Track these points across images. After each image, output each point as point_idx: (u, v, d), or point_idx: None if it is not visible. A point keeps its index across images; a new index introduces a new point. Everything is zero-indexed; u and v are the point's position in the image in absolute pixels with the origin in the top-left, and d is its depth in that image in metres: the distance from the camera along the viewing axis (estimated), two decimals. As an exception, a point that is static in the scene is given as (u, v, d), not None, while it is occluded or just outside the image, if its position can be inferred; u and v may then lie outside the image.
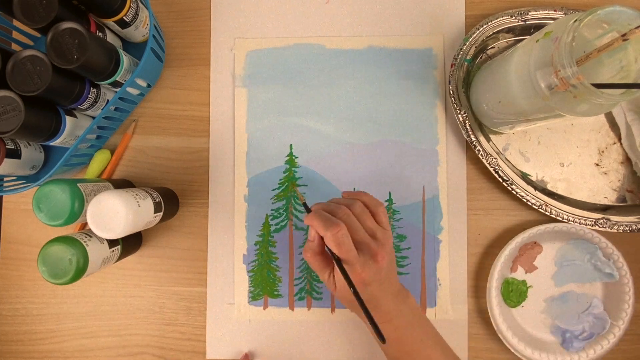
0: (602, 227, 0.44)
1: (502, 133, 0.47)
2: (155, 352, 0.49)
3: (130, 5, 0.43)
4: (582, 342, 0.45)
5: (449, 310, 0.47)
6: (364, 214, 0.37)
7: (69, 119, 0.44)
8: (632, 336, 0.46)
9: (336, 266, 0.35)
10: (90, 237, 0.40)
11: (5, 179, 0.47)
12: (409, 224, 0.48)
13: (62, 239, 0.37)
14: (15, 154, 0.44)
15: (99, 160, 0.49)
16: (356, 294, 0.33)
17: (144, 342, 0.49)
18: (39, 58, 0.38)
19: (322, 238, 0.36)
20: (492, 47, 0.48)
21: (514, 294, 0.47)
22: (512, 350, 0.44)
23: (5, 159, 0.43)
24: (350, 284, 0.33)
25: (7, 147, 0.43)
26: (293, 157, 0.49)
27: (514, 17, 0.46)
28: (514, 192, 0.45)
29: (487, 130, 0.47)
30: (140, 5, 0.45)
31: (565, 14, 0.46)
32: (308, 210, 0.39)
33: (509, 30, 0.47)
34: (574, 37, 0.30)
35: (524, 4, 0.48)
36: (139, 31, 0.47)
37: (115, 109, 0.47)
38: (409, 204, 0.48)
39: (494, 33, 0.47)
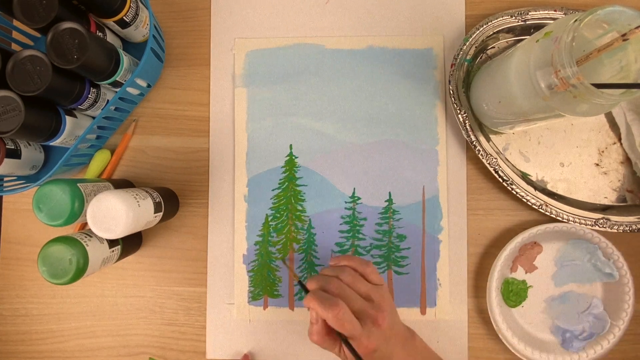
0: (602, 227, 0.44)
1: (502, 133, 0.47)
2: (155, 352, 0.49)
3: (130, 5, 0.43)
4: (582, 342, 0.45)
5: (449, 310, 0.47)
6: (355, 280, 0.38)
7: (69, 119, 0.44)
8: (632, 336, 0.46)
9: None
10: (90, 237, 0.40)
11: (5, 179, 0.47)
12: (409, 224, 0.48)
13: (62, 239, 0.37)
14: (15, 154, 0.44)
15: (99, 160, 0.49)
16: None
17: (144, 342, 0.49)
18: (39, 58, 0.38)
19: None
20: (492, 47, 0.48)
21: (514, 294, 0.47)
22: (512, 350, 0.44)
23: (5, 159, 0.43)
24: (358, 358, 0.34)
25: (7, 147, 0.43)
26: (293, 157, 0.49)
27: (514, 17, 0.46)
28: (514, 192, 0.45)
29: (487, 130, 0.47)
30: (140, 5, 0.45)
31: (565, 14, 0.46)
32: (304, 287, 0.40)
33: (509, 30, 0.47)
34: (574, 37, 0.30)
35: (524, 4, 0.48)
36: (139, 31, 0.47)
37: (115, 109, 0.47)
38: (409, 204, 0.48)
39: (494, 33, 0.47)
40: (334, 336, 0.37)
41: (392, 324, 0.37)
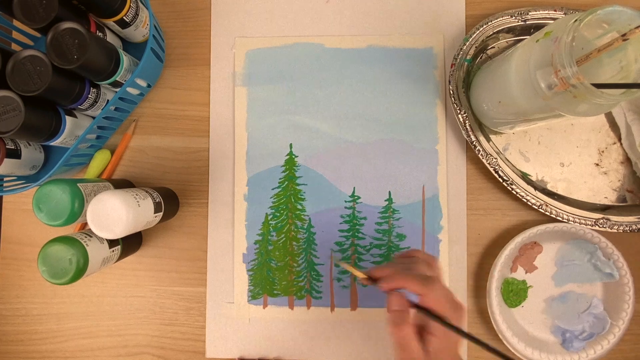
0: (602, 227, 0.44)
1: (502, 133, 0.47)
2: (155, 352, 0.49)
3: (130, 5, 0.43)
4: (582, 342, 0.45)
5: (449, 310, 0.47)
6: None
7: (69, 119, 0.44)
8: (632, 336, 0.46)
9: (435, 326, 0.31)
10: (90, 237, 0.40)
11: (5, 179, 0.47)
12: (408, 223, 0.48)
13: (62, 239, 0.37)
14: (15, 154, 0.44)
15: (99, 160, 0.49)
16: (472, 338, 0.31)
17: (144, 342, 0.49)
18: (39, 58, 0.38)
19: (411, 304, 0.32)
20: (492, 47, 0.48)
21: (514, 294, 0.47)
22: (512, 350, 0.44)
23: (5, 159, 0.43)
24: (467, 335, 0.31)
25: (7, 147, 0.43)
26: (293, 156, 0.49)
27: (514, 17, 0.46)
28: (514, 192, 0.45)
29: (487, 130, 0.47)
30: (140, 5, 0.45)
31: (565, 14, 0.46)
32: (373, 280, 0.34)
33: (509, 30, 0.47)
34: (574, 37, 0.30)
35: (524, 4, 0.48)
36: (139, 31, 0.47)
37: (115, 109, 0.47)
38: (408, 203, 0.48)
39: (494, 33, 0.47)
40: (415, 329, 0.31)
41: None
